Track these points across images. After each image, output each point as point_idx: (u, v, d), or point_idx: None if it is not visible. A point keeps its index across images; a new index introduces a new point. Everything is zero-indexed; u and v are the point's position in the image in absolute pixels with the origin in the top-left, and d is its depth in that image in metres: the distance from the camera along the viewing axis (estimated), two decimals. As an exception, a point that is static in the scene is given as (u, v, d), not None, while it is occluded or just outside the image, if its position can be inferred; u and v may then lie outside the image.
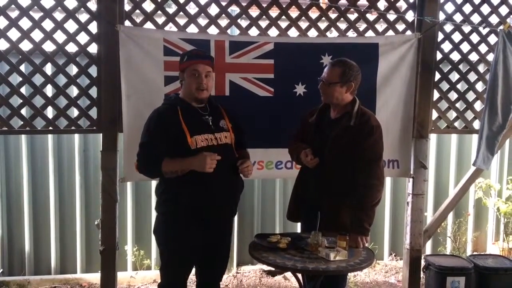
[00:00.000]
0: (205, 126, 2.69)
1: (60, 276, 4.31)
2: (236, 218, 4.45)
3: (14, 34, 3.31)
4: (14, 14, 3.30)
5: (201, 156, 2.57)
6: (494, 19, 3.87)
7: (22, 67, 3.42)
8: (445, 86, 3.91)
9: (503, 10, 3.86)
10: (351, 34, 3.78)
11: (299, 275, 2.84)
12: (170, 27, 3.54)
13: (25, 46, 3.34)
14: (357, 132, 2.80)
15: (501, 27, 3.65)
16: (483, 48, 3.88)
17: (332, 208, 2.84)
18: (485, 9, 3.84)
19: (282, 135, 3.31)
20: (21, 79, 3.38)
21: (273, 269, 3.86)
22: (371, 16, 3.77)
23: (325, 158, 2.86)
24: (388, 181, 4.79)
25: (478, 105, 3.97)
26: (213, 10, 3.61)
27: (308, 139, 2.97)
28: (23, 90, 3.43)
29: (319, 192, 2.88)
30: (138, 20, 3.48)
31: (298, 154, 2.94)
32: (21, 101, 3.39)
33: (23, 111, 3.42)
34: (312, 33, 3.71)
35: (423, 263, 3.98)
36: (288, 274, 4.32)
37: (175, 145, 2.61)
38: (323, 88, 2.86)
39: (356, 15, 3.72)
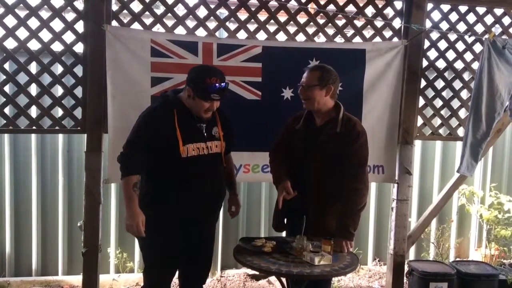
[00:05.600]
0: (199, 134, 2.68)
1: (41, 278, 4.24)
2: (221, 221, 4.45)
3: (-2, 31, 3.27)
4: (-1, 11, 3.26)
5: (137, 218, 2.58)
6: (479, 28, 3.92)
7: (6, 65, 3.37)
8: (430, 93, 3.95)
9: (489, 19, 3.92)
10: (338, 39, 3.80)
11: (284, 279, 2.84)
12: (158, 28, 3.53)
13: (10, 44, 3.30)
14: (343, 138, 2.82)
15: (487, 36, 3.69)
16: (468, 56, 3.93)
17: (319, 213, 2.85)
18: (471, 18, 3.89)
19: (269, 138, 3.30)
20: (4, 77, 3.34)
21: (257, 273, 3.87)
22: (358, 23, 3.80)
23: (312, 165, 2.87)
24: (373, 186, 4.81)
25: (462, 113, 4.02)
26: (202, 12, 3.60)
27: (294, 146, 2.97)
28: (6, 88, 3.37)
29: (306, 199, 2.88)
30: (125, 21, 3.46)
31: (277, 182, 2.95)
32: (4, 99, 3.35)
33: (6, 110, 3.38)
34: (300, 37, 3.72)
35: (406, 268, 4.00)
36: (273, 278, 4.31)
37: (166, 150, 2.60)
38: (303, 92, 2.86)
39: (344, 21, 3.75)
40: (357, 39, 3.76)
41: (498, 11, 3.93)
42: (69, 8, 3.35)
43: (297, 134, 2.94)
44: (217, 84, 2.58)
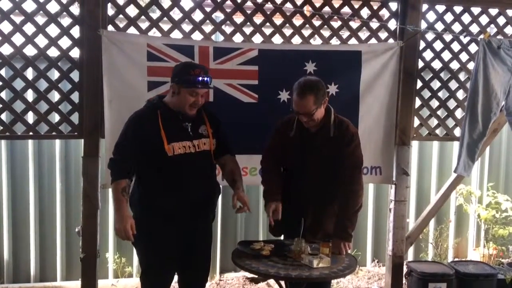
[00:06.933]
0: (184, 133, 2.69)
1: (39, 284, 4.23)
2: (219, 225, 4.45)
3: (-6, 38, 3.26)
4: (-6, 17, 3.25)
5: (126, 221, 2.56)
6: (474, 29, 3.93)
7: (3, 72, 3.36)
8: (426, 94, 3.95)
9: (484, 19, 3.93)
10: (334, 41, 3.81)
11: (282, 282, 2.84)
12: (154, 32, 3.52)
13: (6, 50, 3.29)
14: (338, 141, 2.84)
15: (482, 36, 3.71)
16: (464, 56, 3.94)
17: (318, 216, 2.88)
18: (466, 18, 3.90)
19: (266, 141, 3.31)
20: (1, 83, 3.33)
21: (256, 276, 3.86)
22: (354, 24, 3.80)
23: (309, 170, 2.88)
24: (370, 187, 4.82)
25: (459, 113, 4.03)
26: (198, 16, 3.60)
27: (289, 152, 2.96)
28: (3, 94, 3.37)
29: (304, 203, 2.90)
30: (121, 25, 3.46)
31: (268, 199, 2.92)
32: (1, 106, 3.34)
33: (3, 116, 3.36)
34: (296, 40, 3.72)
35: (405, 269, 4.00)
36: (271, 281, 4.31)
37: (152, 150, 2.62)
38: (307, 120, 2.81)
39: (339, 23, 3.75)
40: (353, 41, 3.77)
41: (493, 11, 3.94)
42: (64, 13, 3.34)
43: (292, 141, 2.93)
44: (200, 78, 2.61)
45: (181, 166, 2.65)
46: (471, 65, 3.85)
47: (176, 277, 2.91)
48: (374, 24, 3.78)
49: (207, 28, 3.59)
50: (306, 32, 3.71)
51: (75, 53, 3.40)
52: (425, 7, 3.80)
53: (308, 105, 2.76)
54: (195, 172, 2.69)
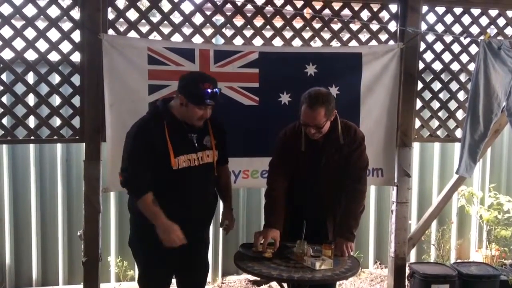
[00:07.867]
0: (190, 145, 2.65)
1: (41, 288, 4.23)
2: (221, 228, 4.43)
3: (-5, 43, 3.27)
4: (-5, 22, 3.26)
5: (172, 230, 2.53)
6: (474, 30, 3.94)
7: (4, 76, 3.37)
8: (427, 95, 3.96)
9: (484, 20, 3.93)
10: (335, 43, 3.81)
11: (285, 285, 2.83)
12: (155, 36, 3.53)
13: (7, 54, 3.30)
14: (348, 147, 2.87)
15: (482, 37, 3.71)
16: (464, 58, 3.94)
17: (335, 221, 2.92)
18: (466, 19, 3.90)
19: (267, 144, 3.30)
20: (2, 88, 3.33)
21: (258, 278, 3.86)
22: (354, 26, 3.81)
23: (323, 179, 2.90)
24: (372, 189, 4.81)
25: (460, 114, 4.02)
26: (198, 19, 3.61)
27: (298, 164, 2.94)
28: (4, 99, 3.36)
29: (317, 208, 2.93)
30: (122, 29, 3.46)
31: (269, 226, 2.84)
32: (2, 110, 3.34)
33: (4, 121, 3.37)
34: (297, 42, 3.73)
35: (407, 271, 4.00)
36: (274, 284, 4.30)
37: (157, 162, 2.57)
38: (315, 132, 2.78)
39: (339, 25, 3.76)
40: (353, 43, 3.77)
41: (493, 12, 3.94)
42: (65, 17, 3.35)
43: (302, 154, 2.90)
44: (209, 90, 2.55)
45: (183, 179, 2.61)
46: (471, 66, 3.86)
47: (174, 280, 2.92)
48: (374, 26, 3.78)
49: (208, 31, 3.60)
50: (307, 34, 3.71)
51: (76, 57, 3.40)
52: (425, 8, 3.80)
53: (318, 118, 2.72)
54: (196, 186, 2.66)
